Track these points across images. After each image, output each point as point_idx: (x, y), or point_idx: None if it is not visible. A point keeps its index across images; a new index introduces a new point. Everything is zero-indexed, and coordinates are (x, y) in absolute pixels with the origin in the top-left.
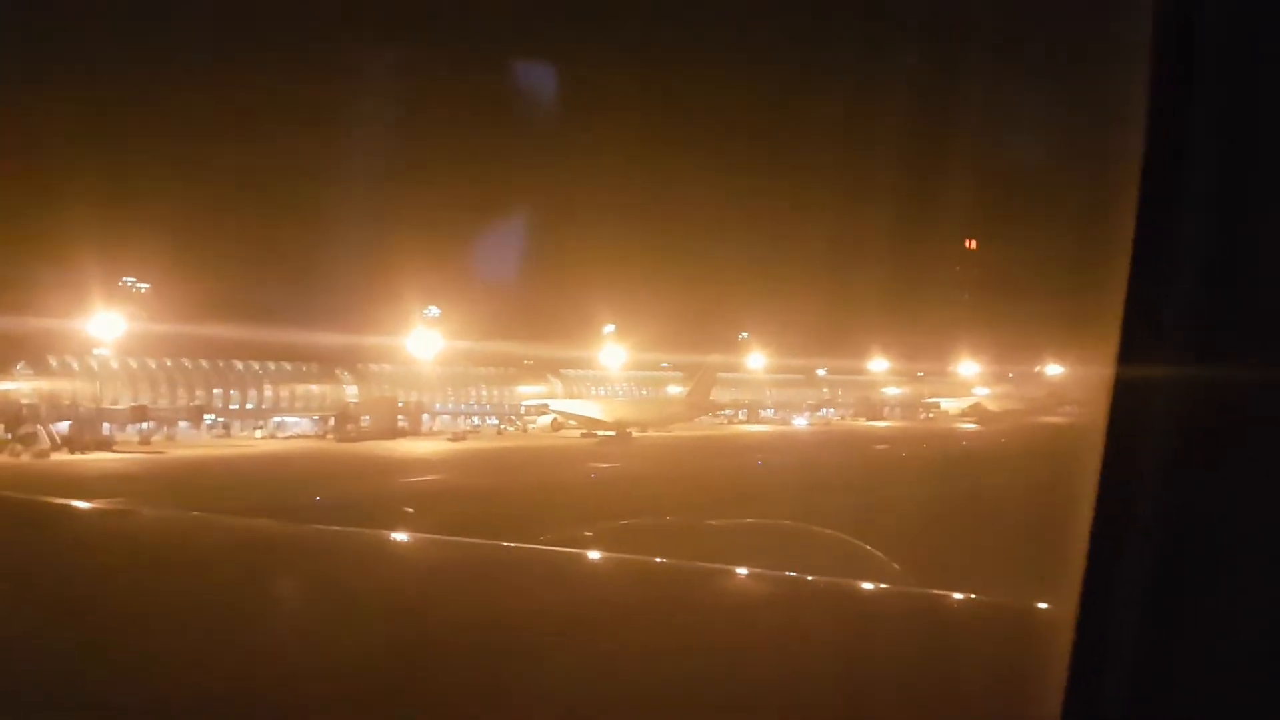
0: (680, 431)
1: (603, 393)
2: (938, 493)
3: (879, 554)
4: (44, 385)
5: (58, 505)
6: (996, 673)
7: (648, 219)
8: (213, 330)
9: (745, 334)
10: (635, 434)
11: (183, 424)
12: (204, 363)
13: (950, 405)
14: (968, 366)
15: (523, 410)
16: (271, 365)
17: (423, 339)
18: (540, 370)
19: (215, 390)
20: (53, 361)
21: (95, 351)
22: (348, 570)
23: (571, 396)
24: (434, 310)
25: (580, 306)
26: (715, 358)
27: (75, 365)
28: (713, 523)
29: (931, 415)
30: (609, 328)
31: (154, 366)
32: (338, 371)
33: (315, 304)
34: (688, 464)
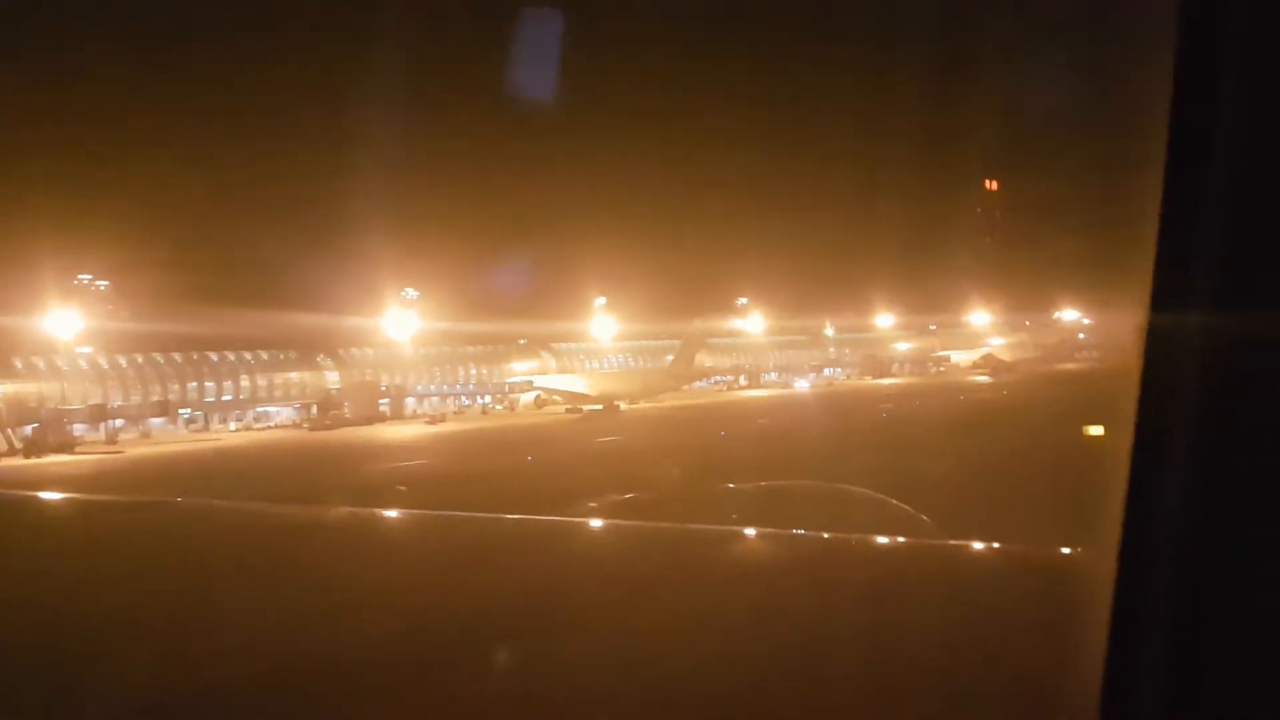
0: (671, 401)
1: (595, 366)
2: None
3: (908, 509)
4: (10, 388)
5: None
6: (1039, 621)
7: (640, 172)
8: (188, 323)
9: (744, 299)
10: (624, 406)
11: (157, 420)
12: (177, 356)
13: (962, 358)
14: (981, 316)
15: (506, 388)
16: (248, 355)
17: (406, 320)
18: (530, 346)
19: (191, 384)
20: (18, 363)
21: (65, 351)
22: (360, 551)
23: (562, 371)
24: (414, 293)
25: (571, 277)
26: (699, 324)
27: (43, 365)
28: (732, 486)
29: (942, 369)
30: (600, 299)
31: (124, 364)
32: (318, 358)
33: (295, 290)
34: (667, 438)
